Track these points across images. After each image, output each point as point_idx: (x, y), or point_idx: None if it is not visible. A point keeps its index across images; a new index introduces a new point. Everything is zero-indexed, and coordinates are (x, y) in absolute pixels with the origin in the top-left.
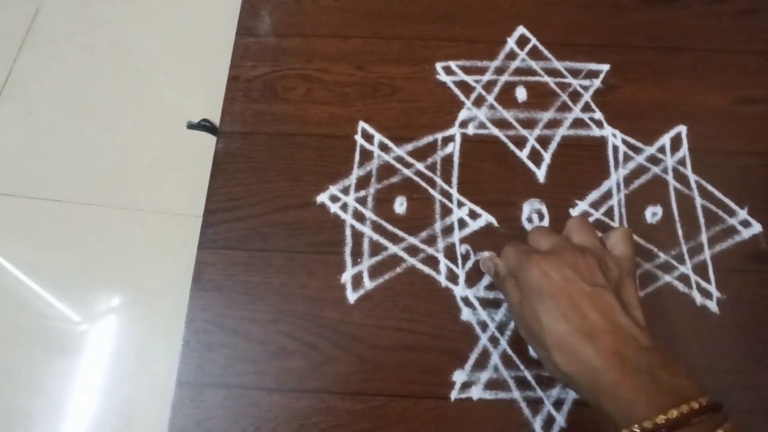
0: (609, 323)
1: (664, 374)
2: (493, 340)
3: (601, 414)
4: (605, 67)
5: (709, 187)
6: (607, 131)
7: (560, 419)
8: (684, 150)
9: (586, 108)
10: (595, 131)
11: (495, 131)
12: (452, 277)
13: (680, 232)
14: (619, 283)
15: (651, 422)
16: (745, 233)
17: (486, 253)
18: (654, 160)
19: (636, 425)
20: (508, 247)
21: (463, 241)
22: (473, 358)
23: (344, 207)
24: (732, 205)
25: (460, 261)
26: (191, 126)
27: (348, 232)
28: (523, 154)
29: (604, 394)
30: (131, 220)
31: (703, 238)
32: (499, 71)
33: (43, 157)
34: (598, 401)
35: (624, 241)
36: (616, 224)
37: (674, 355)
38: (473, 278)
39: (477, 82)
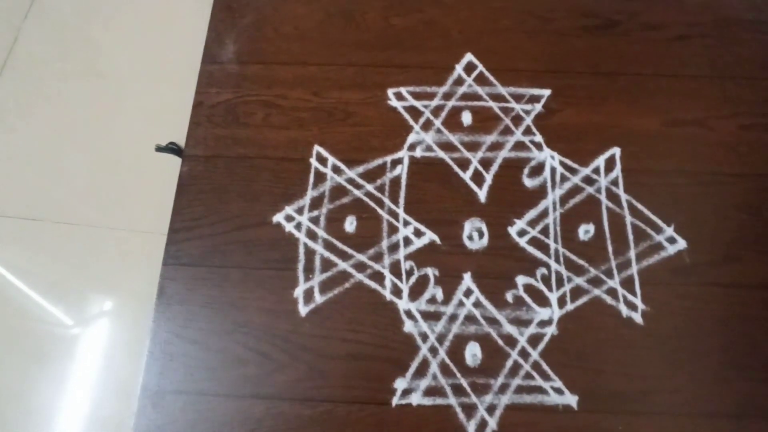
0: None
1: None
2: (433, 350)
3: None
4: (546, 92)
5: (639, 206)
6: (546, 153)
7: (492, 423)
8: (617, 171)
9: (527, 131)
10: (535, 153)
11: (441, 154)
12: (396, 292)
13: (610, 249)
14: None
15: None
16: (671, 249)
17: None
18: (589, 180)
19: None
20: None
21: (407, 257)
22: (414, 366)
23: (298, 226)
24: (660, 222)
25: (404, 276)
26: (159, 149)
27: (301, 250)
28: (467, 176)
29: None
30: (101, 237)
31: (632, 254)
32: (447, 96)
33: (17, 177)
34: None
35: None
36: (551, 241)
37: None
38: (416, 293)
39: (426, 107)
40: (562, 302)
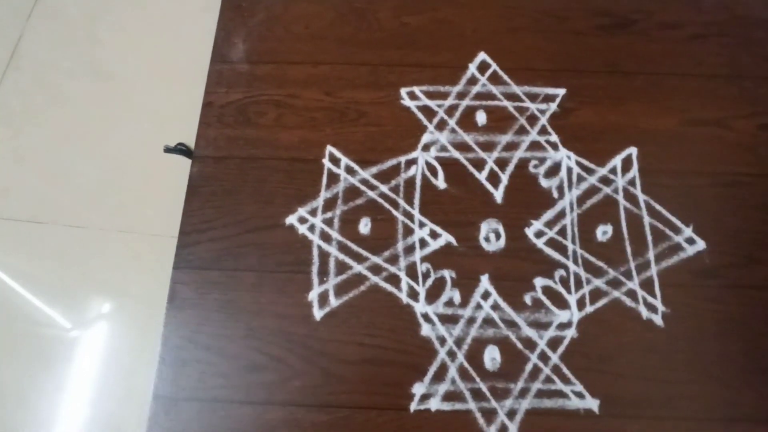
0: None
1: None
2: (451, 354)
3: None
4: (561, 91)
5: (657, 207)
6: (562, 153)
7: (513, 428)
8: (634, 171)
9: (543, 131)
10: (551, 153)
11: (456, 154)
12: (413, 295)
13: (629, 250)
14: None
15: None
16: (690, 250)
17: None
18: (606, 180)
19: None
20: None
21: (423, 259)
22: (432, 371)
23: (312, 228)
24: (678, 223)
25: (420, 279)
26: (168, 150)
27: (315, 252)
28: (482, 176)
29: None
30: (110, 240)
31: (651, 255)
32: (461, 96)
33: (25, 180)
34: None
35: None
36: (569, 243)
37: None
38: (433, 295)
39: (439, 106)
40: (581, 304)
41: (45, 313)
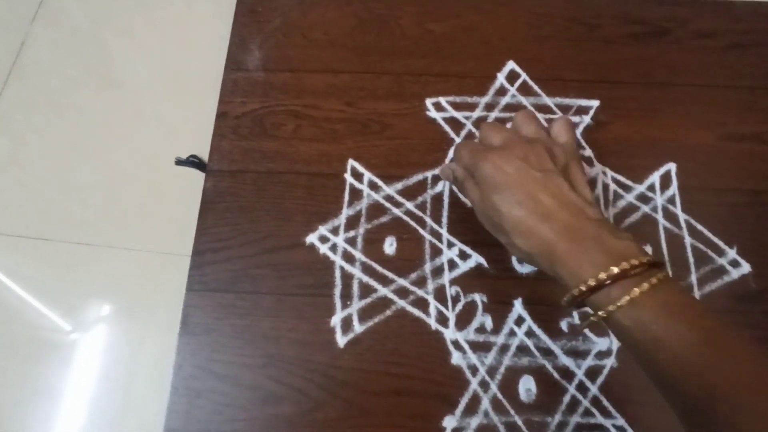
0: (559, 202)
1: (609, 239)
2: (483, 385)
3: (559, 281)
4: (595, 104)
5: (698, 226)
6: (598, 169)
7: None
8: (673, 188)
9: (577, 145)
10: (586, 169)
11: None
12: (442, 320)
13: (670, 273)
14: (567, 166)
15: (594, 279)
16: (734, 273)
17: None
18: (644, 198)
19: (582, 284)
20: (460, 149)
21: (453, 282)
22: (463, 403)
23: (334, 248)
24: (721, 244)
25: (450, 303)
26: (179, 162)
27: (337, 274)
28: None
29: (558, 262)
30: (118, 259)
31: (693, 278)
32: (489, 107)
33: (29, 195)
34: (554, 270)
35: (566, 129)
36: None
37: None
38: (463, 321)
39: (467, 118)
40: None
41: (48, 337)
